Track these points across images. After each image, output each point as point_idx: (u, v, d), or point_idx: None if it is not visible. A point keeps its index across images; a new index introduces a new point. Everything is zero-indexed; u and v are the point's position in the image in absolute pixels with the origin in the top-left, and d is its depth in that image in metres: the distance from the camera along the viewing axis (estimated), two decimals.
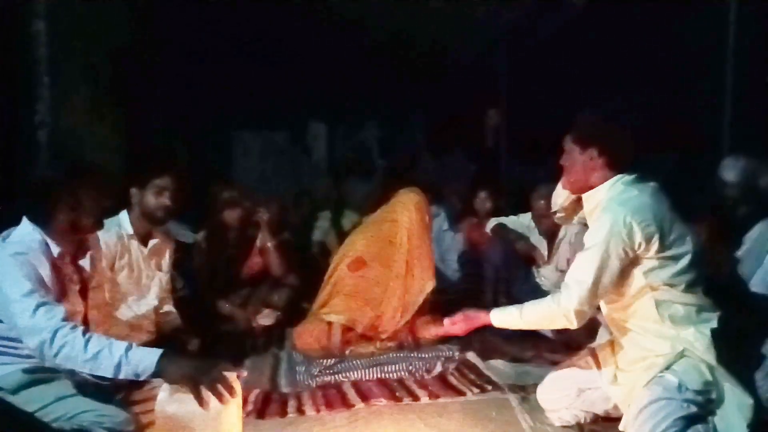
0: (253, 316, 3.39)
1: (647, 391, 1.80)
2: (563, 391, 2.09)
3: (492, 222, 3.75)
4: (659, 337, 1.86)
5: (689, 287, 1.85)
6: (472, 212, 4.26)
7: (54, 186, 1.87)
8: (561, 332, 3.09)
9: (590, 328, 2.85)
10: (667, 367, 1.81)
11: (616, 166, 1.92)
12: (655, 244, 1.80)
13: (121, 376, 1.63)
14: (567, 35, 4.71)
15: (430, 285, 3.24)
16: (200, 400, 1.57)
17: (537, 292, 3.47)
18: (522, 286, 3.51)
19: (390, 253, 3.22)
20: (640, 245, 1.80)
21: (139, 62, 4.39)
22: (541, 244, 3.50)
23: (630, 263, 1.83)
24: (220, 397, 1.59)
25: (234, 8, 4.83)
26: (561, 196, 2.18)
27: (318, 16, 4.96)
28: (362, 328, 3.17)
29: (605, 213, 1.84)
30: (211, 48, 5.25)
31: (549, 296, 1.92)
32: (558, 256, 3.40)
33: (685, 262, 1.83)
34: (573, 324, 1.87)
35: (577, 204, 2.12)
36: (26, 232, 1.83)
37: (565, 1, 4.63)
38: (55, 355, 1.61)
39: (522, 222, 3.65)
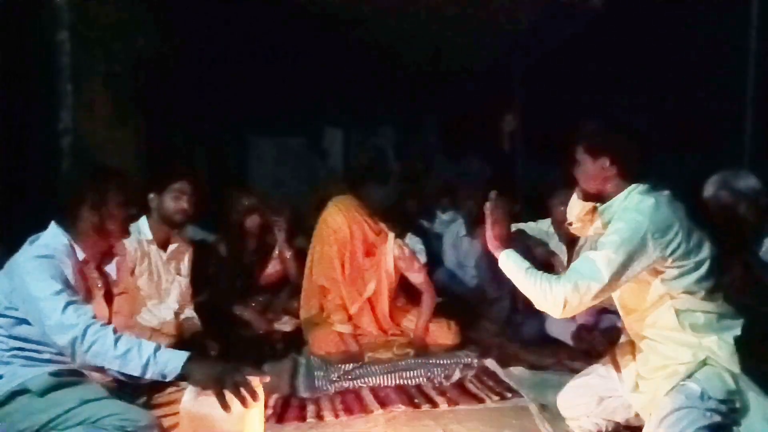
0: (272, 322, 3.41)
1: (669, 399, 1.77)
2: (584, 398, 2.07)
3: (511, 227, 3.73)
4: (680, 345, 1.84)
5: (709, 294, 1.83)
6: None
7: (81, 191, 1.90)
8: (581, 340, 3.08)
9: (611, 338, 2.84)
10: (689, 376, 1.79)
11: (629, 174, 1.90)
12: (673, 254, 1.77)
13: (148, 376, 1.65)
14: (583, 38, 4.69)
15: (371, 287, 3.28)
16: (223, 404, 1.59)
17: None
18: None
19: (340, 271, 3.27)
20: (657, 255, 1.77)
21: (158, 70, 4.45)
22: (560, 250, 3.47)
23: (648, 272, 1.81)
24: (243, 400, 1.60)
25: (251, 15, 4.88)
26: (576, 207, 2.16)
27: (334, 22, 4.98)
28: (374, 332, 3.20)
29: (622, 221, 1.81)
30: (228, 54, 5.30)
31: (548, 277, 1.84)
32: None
33: (704, 269, 1.81)
34: (556, 314, 1.81)
35: (593, 214, 2.09)
36: (53, 235, 1.86)
37: (580, 4, 4.61)
38: (87, 350, 1.63)
39: (541, 228, 3.62)
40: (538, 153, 5.67)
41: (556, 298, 1.78)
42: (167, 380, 1.67)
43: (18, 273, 1.74)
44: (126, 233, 2.01)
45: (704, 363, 1.80)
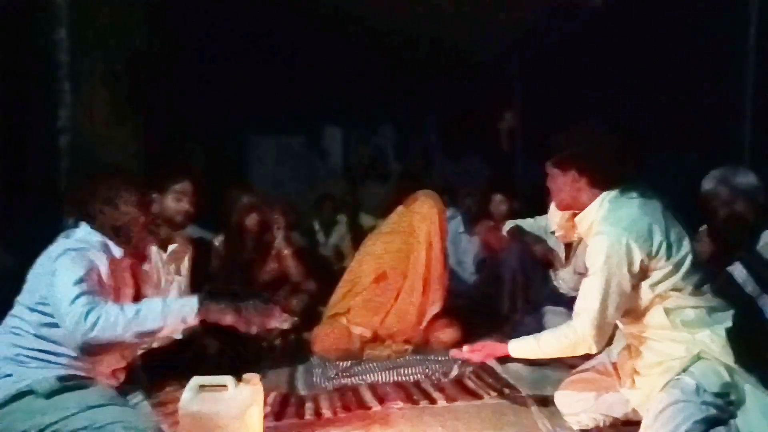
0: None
1: (665, 394, 1.78)
2: (582, 394, 2.08)
3: (508, 224, 3.73)
4: (674, 342, 1.85)
5: (696, 289, 1.84)
6: (488, 215, 4.24)
7: (92, 188, 1.93)
8: None
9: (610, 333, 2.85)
10: (684, 370, 1.80)
11: (601, 183, 1.91)
12: (657, 254, 1.79)
13: (168, 325, 1.68)
14: (583, 37, 4.68)
15: (436, 307, 3.23)
16: (244, 322, 1.70)
17: (555, 296, 3.46)
18: (540, 290, 3.49)
19: (405, 268, 3.20)
20: (642, 261, 1.79)
21: (157, 68, 4.45)
22: (558, 246, 3.47)
23: (638, 279, 1.82)
24: (263, 317, 1.74)
25: (250, 14, 4.88)
26: (556, 216, 2.19)
27: (333, 20, 4.99)
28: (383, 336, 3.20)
29: (600, 236, 1.83)
30: (227, 53, 5.31)
31: (564, 325, 1.93)
32: (576, 259, 3.36)
33: (687, 264, 1.82)
34: (593, 349, 1.89)
35: (569, 222, 2.12)
36: (87, 232, 1.89)
37: (580, 3, 4.61)
38: (92, 327, 1.63)
39: (539, 224, 3.62)
40: (537, 151, 5.67)
41: (586, 339, 1.86)
42: (187, 323, 1.70)
43: (49, 262, 1.78)
44: (156, 240, 2.03)
45: (698, 357, 1.81)
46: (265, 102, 6.17)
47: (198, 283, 3.13)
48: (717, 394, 1.75)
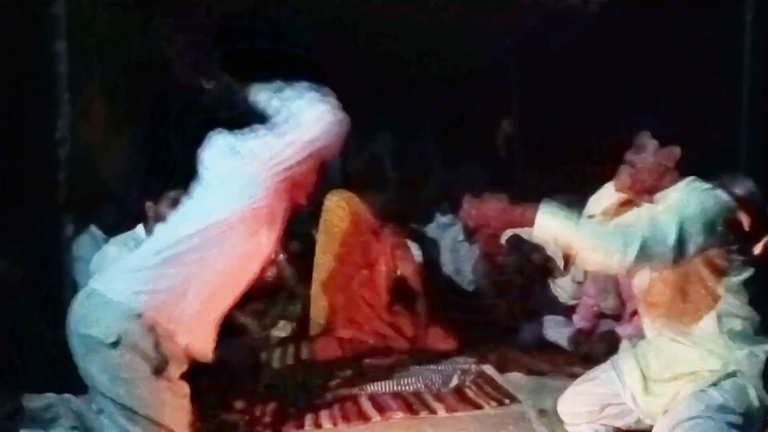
0: (269, 328, 3.40)
1: (688, 405, 1.69)
2: (587, 407, 2.01)
3: (507, 233, 3.73)
4: (711, 354, 1.76)
5: (754, 299, 1.76)
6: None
7: None
8: (579, 345, 3.07)
9: (609, 342, 2.84)
10: (714, 384, 1.71)
11: (686, 168, 1.81)
12: (734, 243, 1.72)
13: None
14: (581, 44, 4.70)
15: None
16: None
17: (554, 304, 3.46)
18: (538, 298, 3.50)
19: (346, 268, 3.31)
20: (721, 238, 1.68)
21: (155, 78, 4.46)
22: (557, 254, 3.48)
23: (702, 263, 1.72)
24: None
25: (247, 22, 4.89)
26: (607, 200, 2.02)
27: (330, 27, 5.00)
28: (374, 338, 3.21)
29: (694, 197, 1.71)
30: (223, 62, 5.32)
31: (620, 230, 1.70)
32: (575, 268, 3.38)
33: (751, 270, 1.76)
34: (624, 256, 1.59)
35: (622, 207, 1.98)
36: None
37: (578, 9, 4.63)
38: None
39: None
40: (536, 158, 5.68)
41: (635, 235, 1.61)
42: None
43: None
44: None
45: (732, 375, 1.72)
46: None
47: None
48: (742, 415, 1.67)
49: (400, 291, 3.42)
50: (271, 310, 3.57)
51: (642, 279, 1.93)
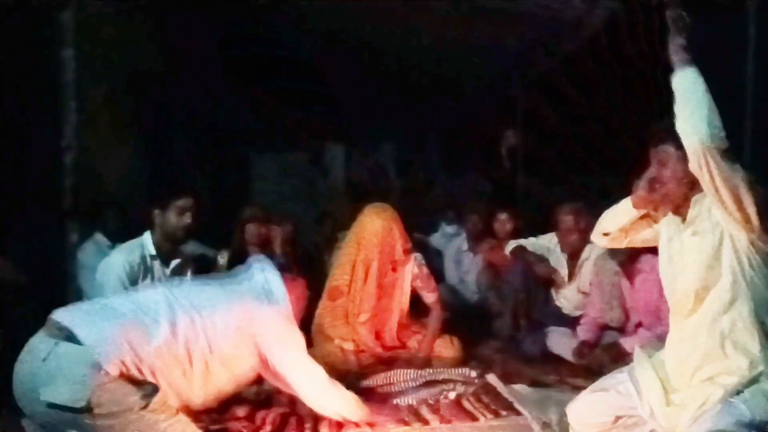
0: None
1: (715, 416, 1.64)
2: (601, 416, 1.94)
3: (511, 244, 3.73)
4: (739, 354, 1.72)
5: None
6: (491, 233, 4.23)
7: None
8: (583, 356, 3.05)
9: (613, 354, 2.82)
10: (738, 393, 1.66)
11: None
12: None
13: None
14: (583, 55, 4.72)
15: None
16: None
17: (558, 315, 3.45)
18: (542, 309, 3.48)
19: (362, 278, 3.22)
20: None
21: (161, 87, 4.50)
22: (561, 264, 3.47)
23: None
24: None
25: (253, 32, 4.93)
26: (625, 216, 2.00)
27: (335, 38, 5.03)
28: (376, 349, 3.19)
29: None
30: (230, 71, 5.35)
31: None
32: (580, 277, 3.36)
33: None
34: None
35: (638, 223, 2.00)
36: None
37: (581, 20, 4.65)
38: None
39: (542, 243, 3.62)
40: (539, 168, 5.69)
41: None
42: None
43: None
44: None
45: (756, 380, 1.69)
46: (267, 119, 6.20)
47: None
48: (766, 423, 1.64)
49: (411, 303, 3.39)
50: None
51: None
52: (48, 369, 1.73)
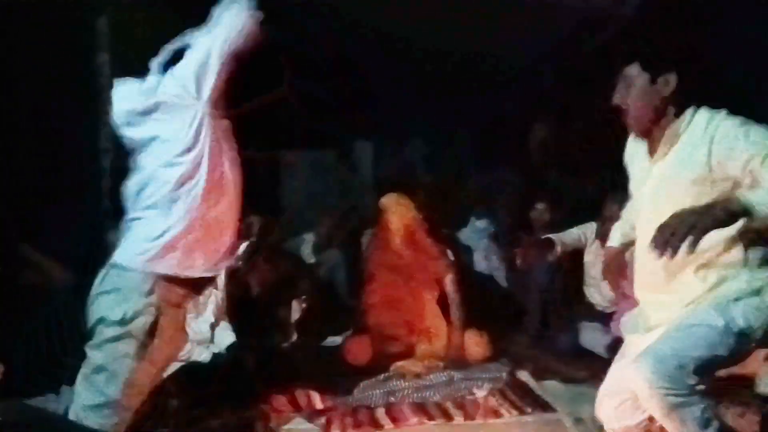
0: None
1: (704, 310, 1.51)
2: (619, 399, 1.86)
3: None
4: (737, 280, 1.57)
5: None
6: (525, 226, 4.15)
7: None
8: (616, 352, 3.00)
9: None
10: (737, 299, 1.52)
11: (686, 100, 1.65)
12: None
13: None
14: (614, 47, 4.63)
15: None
16: None
17: (589, 311, 3.40)
18: (573, 305, 3.44)
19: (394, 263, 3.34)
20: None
21: None
22: (597, 259, 3.40)
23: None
24: None
25: (280, 28, 4.96)
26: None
27: (362, 34, 5.03)
28: (402, 344, 3.22)
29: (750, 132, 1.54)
30: (257, 69, 5.40)
31: None
32: None
33: None
34: None
35: None
36: None
37: (612, 12, 4.56)
38: None
39: (580, 234, 3.48)
40: (570, 162, 5.61)
41: None
42: None
43: None
44: None
45: (756, 292, 1.54)
46: (297, 116, 6.25)
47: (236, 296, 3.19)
48: (757, 330, 1.51)
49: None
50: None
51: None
52: None
